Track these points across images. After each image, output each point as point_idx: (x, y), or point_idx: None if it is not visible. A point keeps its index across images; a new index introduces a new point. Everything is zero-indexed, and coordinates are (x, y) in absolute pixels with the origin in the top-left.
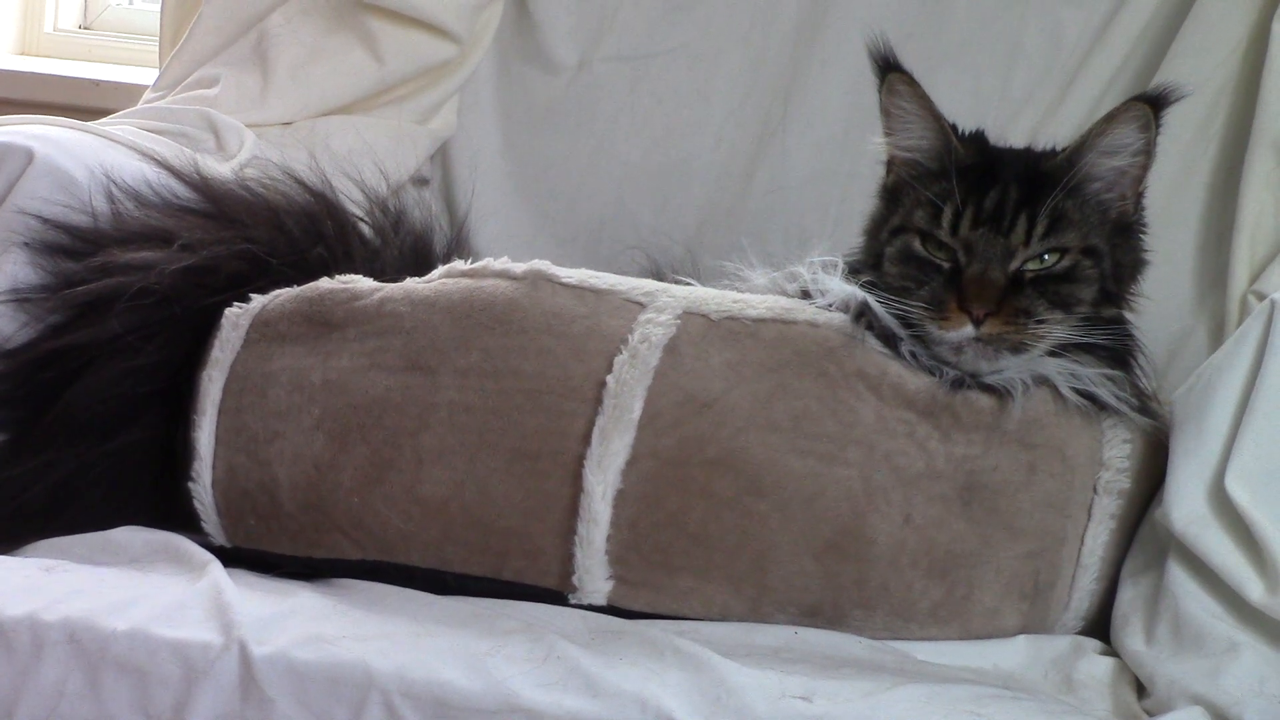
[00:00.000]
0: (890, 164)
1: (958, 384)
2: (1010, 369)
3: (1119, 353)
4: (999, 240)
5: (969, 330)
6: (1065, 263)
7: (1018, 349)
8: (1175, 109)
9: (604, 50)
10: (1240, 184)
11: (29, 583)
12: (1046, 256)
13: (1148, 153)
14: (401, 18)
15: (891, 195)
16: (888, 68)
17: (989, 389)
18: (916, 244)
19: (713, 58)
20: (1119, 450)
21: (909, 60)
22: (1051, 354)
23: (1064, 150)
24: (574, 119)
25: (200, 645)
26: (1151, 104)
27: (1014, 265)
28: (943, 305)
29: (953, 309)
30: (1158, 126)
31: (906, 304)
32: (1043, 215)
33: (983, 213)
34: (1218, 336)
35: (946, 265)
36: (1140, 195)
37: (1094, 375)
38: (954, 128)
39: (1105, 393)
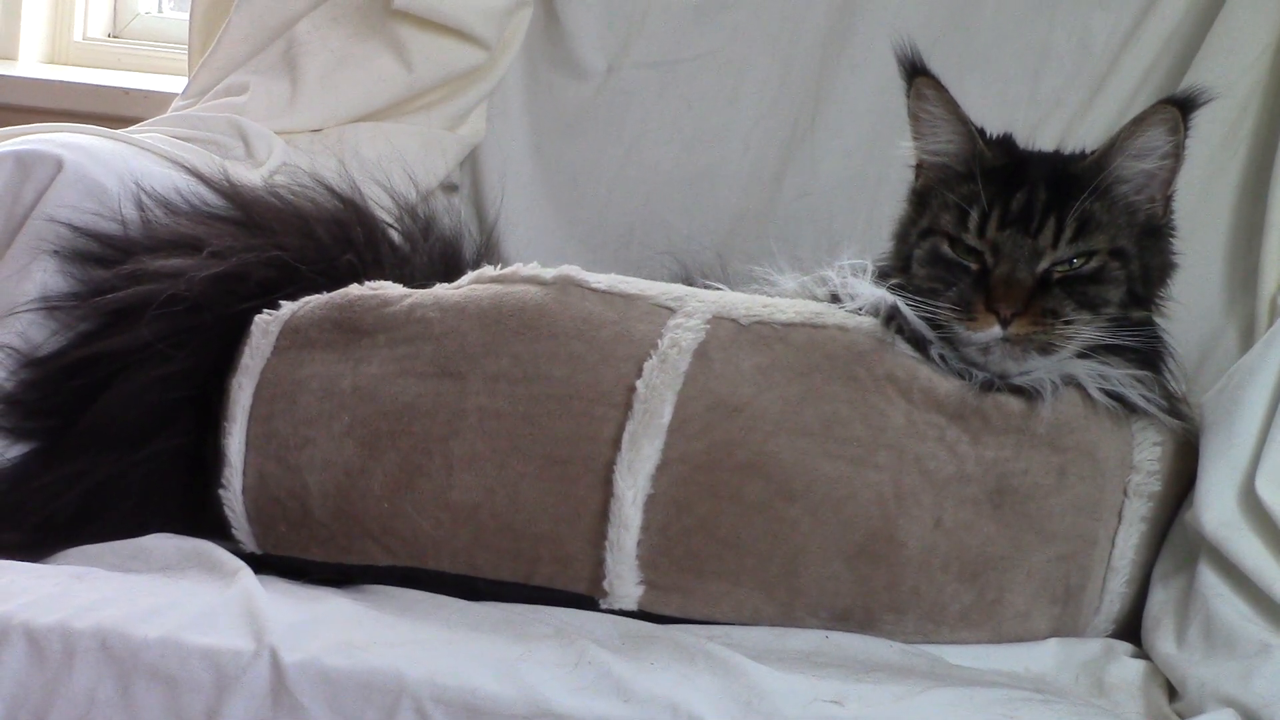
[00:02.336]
0: (919, 168)
1: (987, 386)
2: (1039, 370)
3: (1148, 355)
4: (1026, 242)
5: (996, 331)
6: (1093, 264)
7: (1045, 350)
8: (1204, 111)
9: (633, 56)
10: (1270, 186)
11: (60, 591)
12: (1075, 260)
13: (1177, 155)
14: (430, 24)
15: (920, 199)
16: (915, 72)
17: (1019, 391)
18: (944, 246)
19: (741, 63)
20: (1149, 453)
21: (937, 65)
22: (1080, 355)
23: (1093, 153)
24: (603, 125)
25: (231, 652)
26: (1180, 106)
27: (1042, 266)
28: (970, 306)
29: (980, 310)
30: (1186, 129)
31: (935, 305)
32: (1071, 218)
33: (1010, 215)
34: (1248, 339)
35: (974, 267)
36: (1169, 198)
37: (1122, 376)
38: (981, 131)
39: (1134, 394)
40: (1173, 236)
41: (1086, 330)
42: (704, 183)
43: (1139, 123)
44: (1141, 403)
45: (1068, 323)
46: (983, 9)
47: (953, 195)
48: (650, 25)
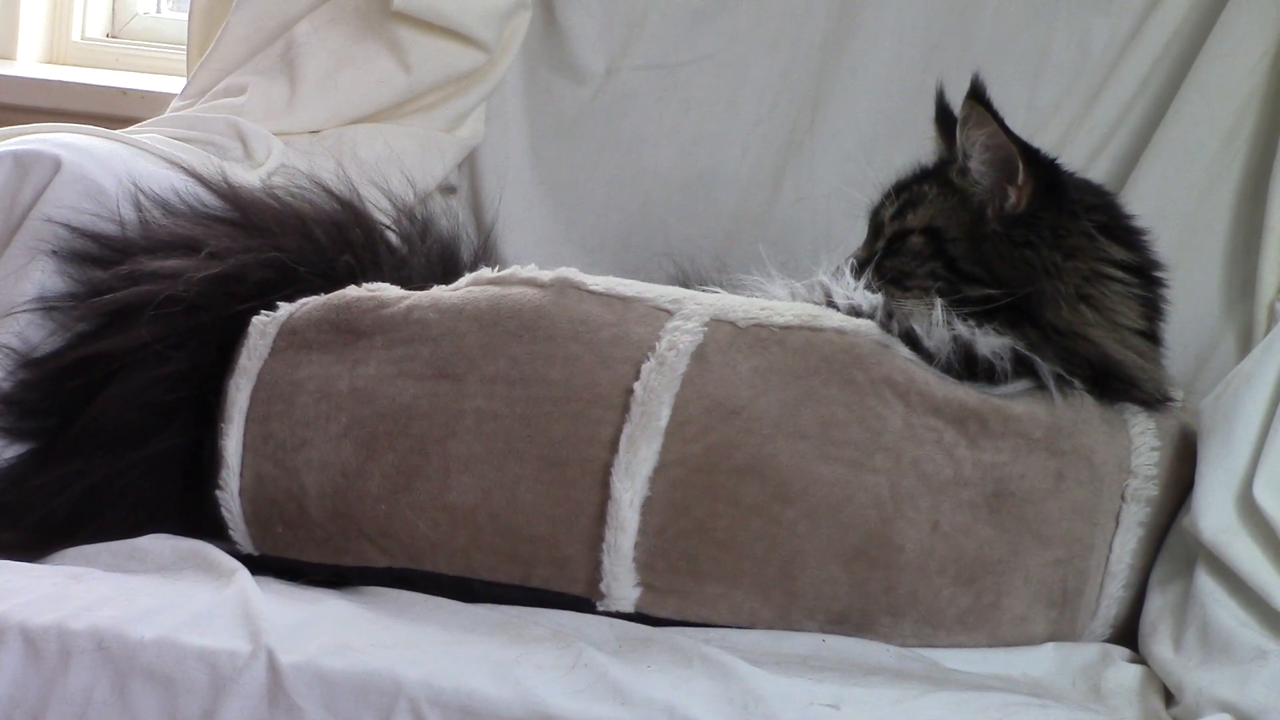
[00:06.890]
0: None
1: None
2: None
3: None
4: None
5: None
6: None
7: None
8: (1201, 116)
9: (632, 59)
10: (1269, 190)
11: (57, 591)
12: (899, 238)
13: (997, 146)
14: (429, 26)
15: None
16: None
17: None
18: None
19: (741, 67)
20: (1147, 458)
21: (936, 70)
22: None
23: None
24: (602, 127)
25: (228, 653)
26: (973, 98)
27: (879, 244)
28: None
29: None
30: (994, 117)
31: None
32: (900, 200)
33: (881, 200)
34: (1245, 344)
35: None
36: (1021, 188)
37: (993, 341)
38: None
39: (986, 350)
40: (1039, 229)
41: (905, 300)
42: (702, 186)
43: (959, 123)
44: (987, 353)
45: (888, 293)
46: (982, 14)
47: None
48: (649, 28)
